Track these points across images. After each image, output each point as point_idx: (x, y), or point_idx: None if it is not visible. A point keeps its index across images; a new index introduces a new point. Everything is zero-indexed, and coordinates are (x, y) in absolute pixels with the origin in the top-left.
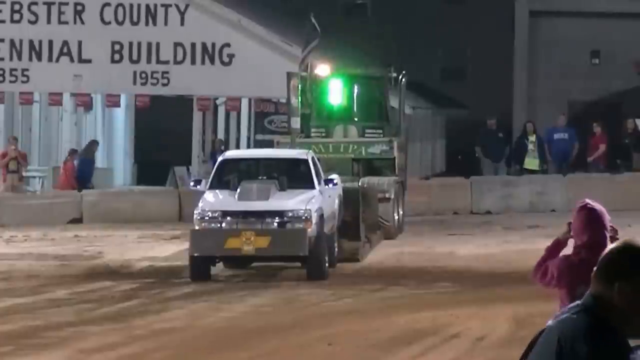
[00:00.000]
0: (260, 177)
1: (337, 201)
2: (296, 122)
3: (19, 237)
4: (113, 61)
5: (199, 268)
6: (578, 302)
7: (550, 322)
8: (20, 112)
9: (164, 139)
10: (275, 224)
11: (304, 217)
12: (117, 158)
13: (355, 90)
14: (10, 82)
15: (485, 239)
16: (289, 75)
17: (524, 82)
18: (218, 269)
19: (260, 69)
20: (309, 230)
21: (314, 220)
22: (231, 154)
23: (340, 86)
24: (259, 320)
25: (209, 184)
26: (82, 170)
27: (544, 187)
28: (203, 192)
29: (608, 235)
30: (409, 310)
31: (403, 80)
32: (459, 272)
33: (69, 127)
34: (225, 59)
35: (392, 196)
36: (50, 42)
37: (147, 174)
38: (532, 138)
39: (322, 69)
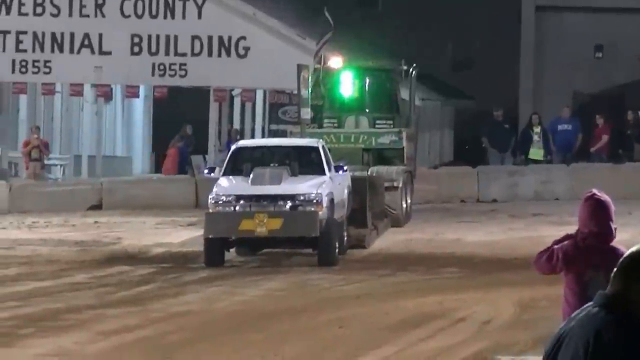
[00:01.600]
0: (272, 164)
1: (346, 191)
2: (306, 113)
3: (41, 223)
4: (132, 53)
5: (214, 252)
6: (590, 303)
7: (566, 325)
8: (42, 103)
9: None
10: (288, 207)
11: (315, 201)
12: (136, 147)
13: (367, 83)
14: (33, 73)
15: (491, 226)
16: (300, 67)
17: (529, 74)
18: (232, 254)
19: (275, 61)
20: (320, 213)
21: (324, 204)
22: (244, 142)
23: (352, 78)
24: (272, 303)
25: (222, 171)
26: (181, 155)
27: (549, 176)
28: (217, 179)
29: (613, 225)
30: (417, 295)
31: (413, 73)
32: (466, 258)
33: (89, 117)
34: (241, 52)
35: (400, 185)
36: (72, 35)
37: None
38: (537, 129)
39: (335, 62)
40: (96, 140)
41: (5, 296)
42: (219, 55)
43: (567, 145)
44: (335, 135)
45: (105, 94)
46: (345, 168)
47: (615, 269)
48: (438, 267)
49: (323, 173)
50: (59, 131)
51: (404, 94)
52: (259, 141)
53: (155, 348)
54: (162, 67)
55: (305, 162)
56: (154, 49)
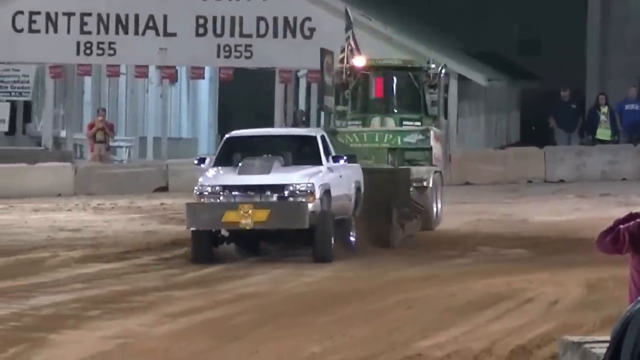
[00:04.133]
0: (265, 155)
1: (353, 185)
2: (330, 101)
3: (107, 205)
4: (197, 35)
5: (200, 247)
6: None
7: (633, 307)
8: (107, 85)
9: (247, 110)
10: (275, 197)
11: (306, 191)
12: (201, 129)
13: (393, 82)
14: (98, 55)
15: (558, 207)
16: (323, 52)
17: (596, 55)
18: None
19: (340, 42)
20: (312, 204)
21: (317, 195)
22: (237, 132)
23: (377, 78)
24: (339, 285)
25: (213, 162)
26: None
27: (616, 156)
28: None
29: None
30: (484, 276)
31: (443, 72)
32: (533, 239)
33: (154, 99)
34: (307, 33)
35: (431, 184)
36: (137, 16)
37: None
38: (604, 109)
39: (359, 61)
40: (161, 122)
41: (71, 278)
42: (284, 36)
43: (635, 126)
44: (358, 135)
45: (170, 75)
46: (345, 157)
47: None
48: (505, 248)
49: (319, 163)
50: (124, 113)
51: (433, 93)
52: (253, 131)
53: (223, 330)
54: (227, 48)
55: (301, 152)
56: (219, 31)
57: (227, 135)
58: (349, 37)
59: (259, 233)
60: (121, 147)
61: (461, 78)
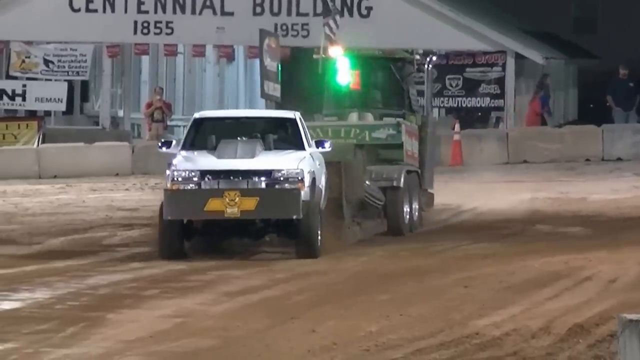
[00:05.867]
0: (242, 138)
1: (324, 177)
2: (274, 89)
3: (164, 184)
4: (255, 14)
5: (172, 240)
6: None
7: None
8: (164, 64)
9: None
10: (264, 184)
11: (296, 178)
12: (258, 107)
13: (373, 74)
14: (155, 34)
15: (616, 185)
16: (263, 34)
17: None
18: None
19: (397, 21)
20: (302, 192)
21: (306, 183)
22: (207, 113)
23: (355, 69)
24: (397, 264)
25: (181, 144)
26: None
27: None
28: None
29: None
30: (542, 254)
31: (431, 62)
32: (591, 217)
33: (211, 78)
34: (364, 11)
35: (401, 185)
36: None
37: None
38: None
39: (334, 50)
40: (219, 101)
41: (129, 258)
42: (341, 15)
43: None
44: (322, 129)
45: (227, 54)
46: (329, 142)
47: None
48: (563, 226)
49: (302, 148)
50: (181, 92)
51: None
52: (225, 112)
53: (280, 309)
54: (284, 27)
55: (281, 135)
56: (276, 10)
57: (195, 116)
58: (327, 24)
59: (241, 224)
60: (179, 126)
61: (518, 56)
